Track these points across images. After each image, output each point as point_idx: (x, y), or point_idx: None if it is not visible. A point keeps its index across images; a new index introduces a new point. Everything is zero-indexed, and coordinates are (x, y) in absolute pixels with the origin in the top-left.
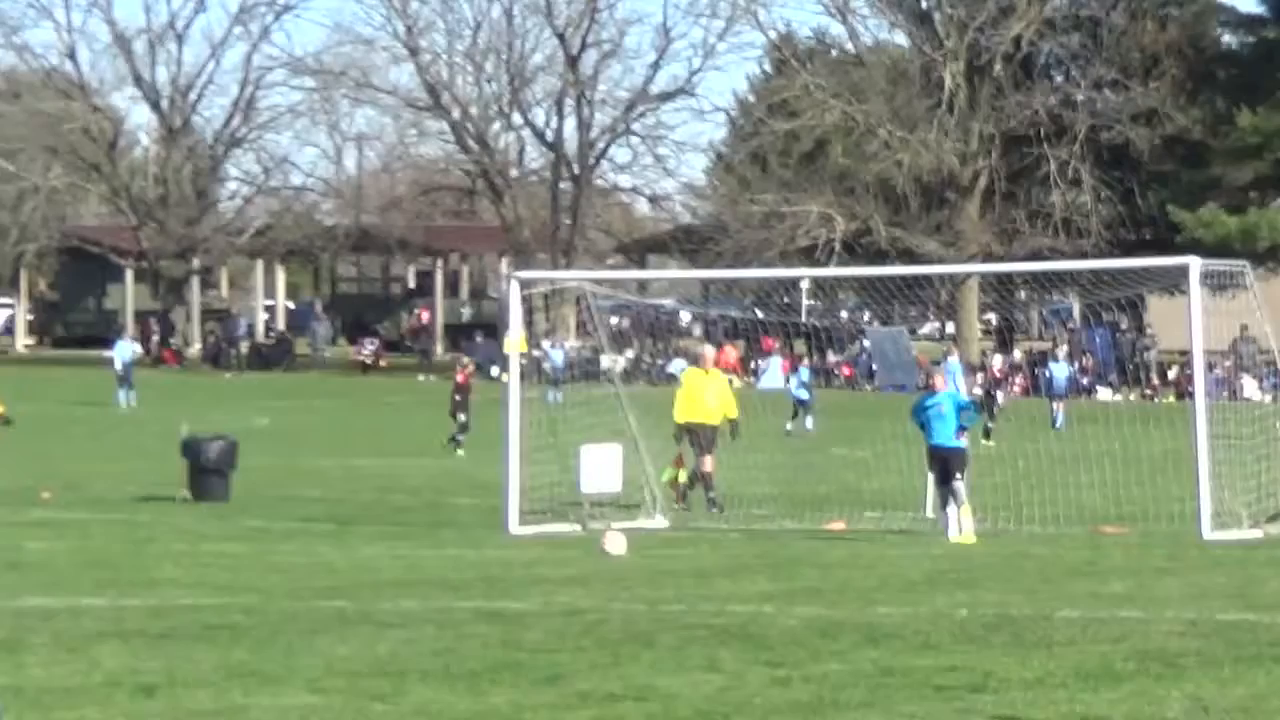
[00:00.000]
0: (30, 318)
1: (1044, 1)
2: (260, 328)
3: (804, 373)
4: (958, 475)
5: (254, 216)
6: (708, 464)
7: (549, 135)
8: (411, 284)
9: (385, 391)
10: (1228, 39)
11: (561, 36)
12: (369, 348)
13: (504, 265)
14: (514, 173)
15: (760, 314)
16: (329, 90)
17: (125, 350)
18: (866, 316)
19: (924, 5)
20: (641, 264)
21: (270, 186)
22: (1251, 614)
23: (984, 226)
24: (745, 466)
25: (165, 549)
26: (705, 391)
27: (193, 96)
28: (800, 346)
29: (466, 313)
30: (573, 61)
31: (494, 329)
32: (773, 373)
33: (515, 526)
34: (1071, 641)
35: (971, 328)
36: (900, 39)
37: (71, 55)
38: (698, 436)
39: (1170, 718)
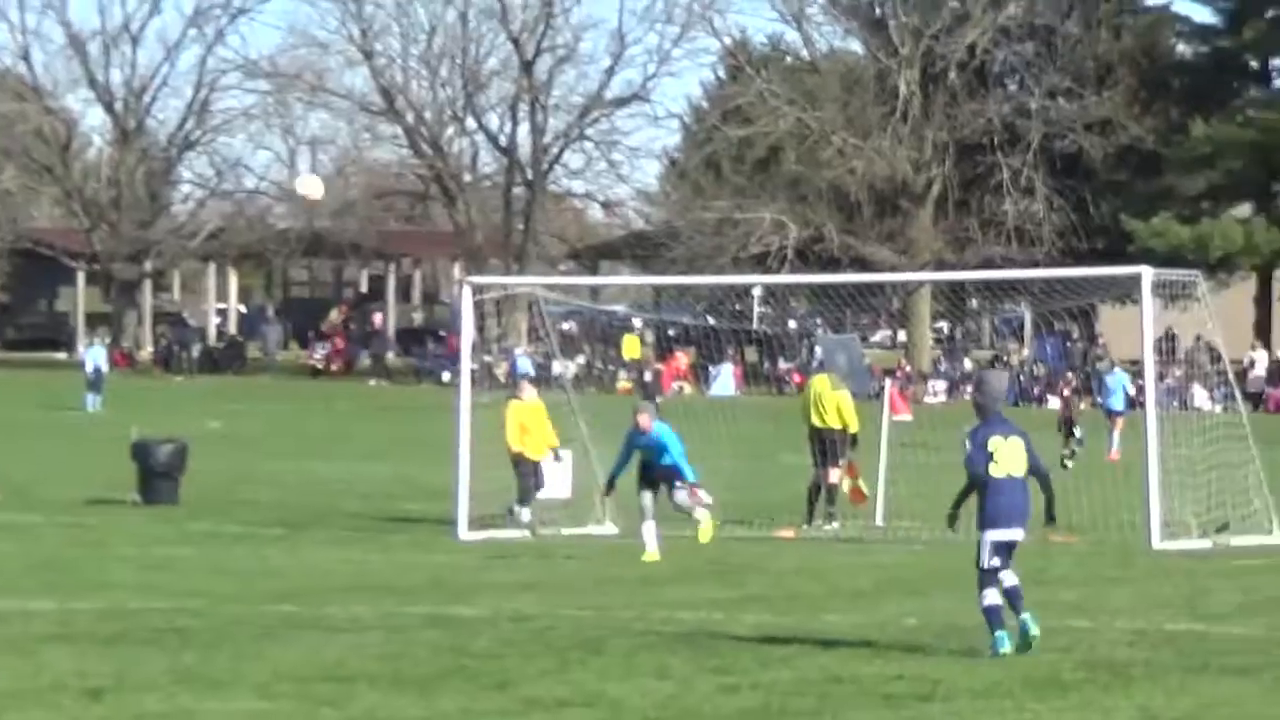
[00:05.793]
0: None
1: (999, 9)
2: (212, 331)
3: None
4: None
5: (207, 220)
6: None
7: (503, 140)
8: (364, 288)
9: (337, 396)
10: (1182, 48)
11: (516, 41)
12: (320, 352)
13: (456, 270)
14: (467, 177)
15: (712, 321)
16: (283, 93)
17: (98, 355)
18: (818, 323)
19: (879, 13)
20: (594, 270)
21: (223, 190)
22: (1200, 624)
23: (937, 234)
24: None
25: (114, 552)
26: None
27: (147, 99)
28: (752, 354)
29: (418, 317)
30: (527, 66)
31: (444, 335)
32: (724, 380)
33: (465, 532)
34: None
35: (923, 336)
36: (855, 46)
37: (25, 56)
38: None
39: None
